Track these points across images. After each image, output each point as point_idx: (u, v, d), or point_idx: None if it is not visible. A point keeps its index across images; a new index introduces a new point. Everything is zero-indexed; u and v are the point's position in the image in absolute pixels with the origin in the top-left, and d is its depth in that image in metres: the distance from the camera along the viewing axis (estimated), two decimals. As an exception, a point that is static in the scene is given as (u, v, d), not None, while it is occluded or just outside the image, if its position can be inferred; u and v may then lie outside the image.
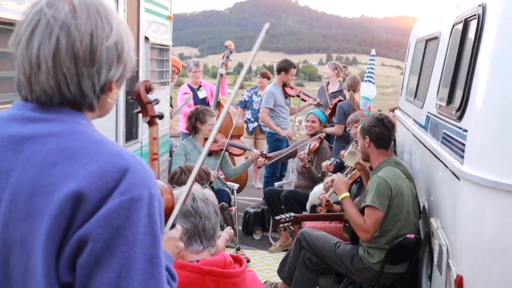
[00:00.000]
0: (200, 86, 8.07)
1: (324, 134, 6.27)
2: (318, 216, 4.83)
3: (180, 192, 1.81)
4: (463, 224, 2.95)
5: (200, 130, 5.97)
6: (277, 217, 4.54)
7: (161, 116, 2.23)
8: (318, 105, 7.59)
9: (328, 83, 8.22)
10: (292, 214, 4.57)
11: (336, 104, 7.24)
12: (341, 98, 7.30)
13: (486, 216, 2.80)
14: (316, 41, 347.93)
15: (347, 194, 4.18)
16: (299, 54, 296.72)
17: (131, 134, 5.14)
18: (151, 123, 2.22)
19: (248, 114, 8.83)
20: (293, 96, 7.55)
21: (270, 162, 6.48)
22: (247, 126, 8.87)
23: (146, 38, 5.42)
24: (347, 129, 6.09)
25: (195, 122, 5.94)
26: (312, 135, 6.33)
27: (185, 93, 7.92)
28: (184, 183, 3.75)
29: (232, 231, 4.23)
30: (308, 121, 6.43)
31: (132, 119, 5.16)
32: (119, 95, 4.62)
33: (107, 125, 4.45)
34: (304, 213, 5.65)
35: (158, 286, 1.19)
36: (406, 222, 4.00)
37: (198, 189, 2.30)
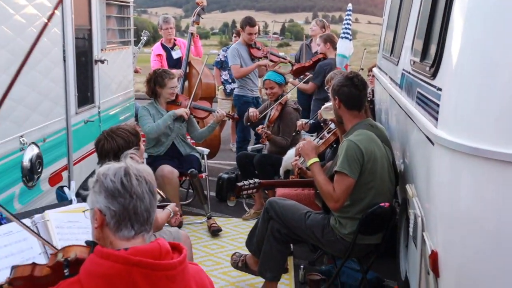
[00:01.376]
0: (174, 45, 7.60)
1: (285, 98, 5.90)
2: (286, 183, 4.51)
3: None
4: (437, 194, 2.65)
5: (160, 94, 5.62)
6: (239, 183, 4.17)
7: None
8: (291, 64, 7.24)
9: (311, 40, 7.83)
10: (256, 180, 4.23)
11: (318, 60, 6.88)
12: (325, 56, 6.93)
13: (462, 186, 2.48)
14: (302, 0, 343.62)
15: (316, 159, 3.85)
16: (285, 13, 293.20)
17: (85, 98, 4.75)
18: None
19: (225, 75, 8.45)
20: (260, 58, 7.13)
21: (258, 119, 6.04)
22: (225, 87, 8.49)
23: (100, -6, 4.99)
24: (325, 88, 5.73)
25: (154, 87, 5.59)
26: (275, 101, 5.95)
27: (158, 54, 7.49)
28: (108, 152, 3.35)
29: (175, 206, 3.94)
30: (266, 88, 6.04)
31: (86, 82, 4.78)
32: (68, 54, 4.28)
33: (53, 89, 4.07)
34: (277, 179, 5.36)
35: None
36: (381, 190, 3.70)
37: (132, 163, 1.93)
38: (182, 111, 5.60)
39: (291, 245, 4.46)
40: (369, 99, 6.10)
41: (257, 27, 7.08)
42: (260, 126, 5.75)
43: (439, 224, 2.62)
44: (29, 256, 2.68)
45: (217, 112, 5.93)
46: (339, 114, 3.89)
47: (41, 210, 2.91)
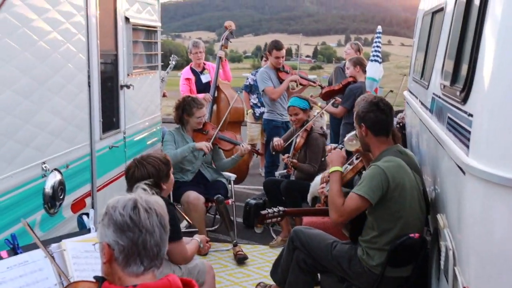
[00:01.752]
0: (204, 69, 7.59)
1: (310, 124, 5.78)
2: (311, 211, 4.36)
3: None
4: (469, 226, 2.49)
5: (187, 122, 5.61)
6: (263, 212, 4.03)
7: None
8: (320, 87, 7.14)
9: (345, 63, 7.73)
10: (281, 208, 4.10)
11: (348, 83, 6.77)
12: (355, 79, 6.81)
13: (495, 218, 2.32)
14: (334, 23, 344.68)
15: (339, 168, 3.74)
16: (317, 36, 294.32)
17: (110, 124, 4.73)
18: None
19: (254, 99, 8.39)
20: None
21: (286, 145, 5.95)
22: (254, 111, 8.42)
23: (126, 19, 4.98)
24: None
25: (182, 114, 5.58)
26: (301, 127, 5.83)
27: (187, 78, 7.48)
28: (137, 180, 3.33)
29: (205, 238, 3.88)
30: (290, 115, 5.93)
31: (111, 107, 4.76)
32: (93, 79, 4.27)
33: (78, 115, 4.05)
34: (305, 205, 5.22)
35: None
36: (410, 220, 3.53)
37: (142, 195, 1.86)
38: (203, 145, 5.52)
39: (318, 274, 4.31)
40: (401, 125, 5.96)
41: (284, 50, 7.00)
42: (286, 155, 5.64)
43: (471, 258, 2.47)
44: (44, 287, 2.62)
45: (242, 146, 5.84)
46: (365, 142, 3.74)
47: (58, 239, 2.86)
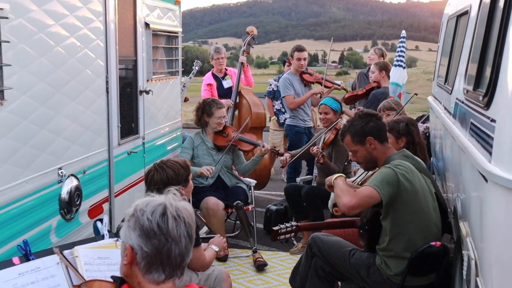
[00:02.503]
0: (225, 74, 7.58)
1: (340, 124, 5.70)
2: (326, 224, 4.25)
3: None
4: (491, 235, 2.39)
5: (208, 124, 5.58)
6: (275, 228, 3.91)
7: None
8: (345, 91, 7.07)
9: (368, 68, 7.63)
10: (293, 223, 4.00)
11: (371, 89, 6.68)
12: (379, 84, 6.72)
13: (519, 228, 2.23)
14: (361, 28, 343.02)
15: (342, 175, 3.66)
16: (344, 41, 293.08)
17: (129, 129, 4.71)
18: None
19: (278, 105, 8.34)
20: (313, 82, 6.99)
21: (292, 160, 5.95)
22: (278, 118, 8.37)
23: (146, 24, 4.97)
24: None
25: (202, 115, 5.57)
26: (328, 127, 5.77)
27: (209, 84, 7.47)
28: (157, 183, 3.34)
29: (221, 240, 3.83)
30: (320, 113, 5.87)
31: (130, 113, 4.74)
32: (111, 85, 4.27)
33: (95, 120, 4.04)
34: (326, 211, 5.15)
35: None
36: (423, 224, 3.45)
37: (172, 201, 1.80)
38: (203, 169, 5.36)
39: (339, 282, 4.23)
40: (427, 134, 5.85)
41: (305, 52, 6.98)
42: (315, 147, 5.56)
43: (493, 269, 2.37)
44: (55, 294, 2.60)
45: (262, 146, 5.79)
46: (373, 156, 3.64)
47: (71, 245, 2.84)
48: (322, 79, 6.99)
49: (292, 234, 4.00)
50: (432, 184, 3.61)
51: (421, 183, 3.47)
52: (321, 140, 5.82)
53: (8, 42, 2.93)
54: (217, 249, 3.65)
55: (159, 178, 3.39)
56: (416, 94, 7.15)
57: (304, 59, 6.88)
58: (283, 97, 6.97)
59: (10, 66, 2.95)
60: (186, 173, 3.51)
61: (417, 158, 3.73)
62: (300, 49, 6.92)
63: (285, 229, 3.89)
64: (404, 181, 3.36)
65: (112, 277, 1.92)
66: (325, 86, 7.03)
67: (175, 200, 1.82)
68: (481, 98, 2.73)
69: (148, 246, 1.74)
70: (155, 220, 1.74)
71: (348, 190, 3.42)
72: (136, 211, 1.78)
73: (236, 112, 7.30)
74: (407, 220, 3.40)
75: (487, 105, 2.59)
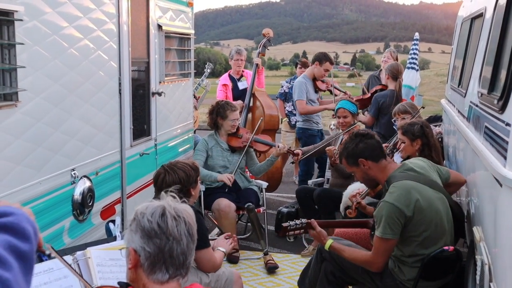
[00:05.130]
0: (242, 76, 7.57)
1: (358, 126, 5.68)
2: (337, 223, 4.21)
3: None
4: (506, 241, 2.37)
5: (221, 126, 5.58)
6: (285, 224, 3.82)
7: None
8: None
9: (380, 71, 7.59)
10: (303, 220, 3.91)
11: (375, 92, 6.64)
12: (385, 87, 6.68)
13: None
14: (374, 30, 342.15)
15: (331, 240, 3.64)
16: (356, 43, 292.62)
17: (141, 131, 4.73)
18: None
19: (289, 107, 8.31)
20: (324, 91, 7.00)
21: (304, 157, 5.94)
22: (289, 119, 8.35)
23: (159, 26, 4.99)
24: (392, 120, 5.47)
25: (216, 118, 5.57)
26: (345, 129, 5.75)
27: (224, 84, 7.46)
28: (169, 185, 3.34)
29: (224, 240, 3.81)
30: (339, 117, 5.83)
31: (143, 114, 4.76)
32: (124, 87, 4.28)
33: (108, 122, 4.06)
34: (338, 214, 5.11)
35: None
36: (436, 232, 3.40)
37: (171, 203, 1.86)
38: (224, 177, 5.39)
39: (350, 287, 4.20)
40: (439, 140, 5.81)
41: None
42: (332, 147, 5.55)
43: (508, 274, 2.34)
44: (68, 295, 2.60)
45: (278, 146, 5.79)
46: (371, 176, 3.61)
47: (84, 246, 2.84)
48: (332, 86, 6.98)
49: (302, 231, 3.92)
50: (440, 191, 3.54)
51: (426, 197, 3.39)
52: (338, 141, 5.80)
53: (22, 44, 2.96)
54: (223, 250, 3.64)
55: (171, 180, 3.38)
56: (423, 108, 7.07)
57: (328, 71, 6.90)
58: (295, 100, 6.95)
59: (24, 68, 2.97)
60: (196, 175, 3.53)
61: (419, 169, 3.63)
62: (332, 62, 6.98)
63: (294, 226, 3.83)
64: (408, 208, 3.31)
65: (119, 283, 1.94)
66: (335, 94, 7.04)
67: (174, 202, 1.87)
68: (495, 101, 2.70)
69: (150, 246, 1.78)
70: (155, 221, 1.79)
71: (365, 260, 3.45)
72: (137, 214, 1.84)
73: (250, 115, 7.29)
74: (420, 230, 3.37)
75: (502, 109, 2.56)
